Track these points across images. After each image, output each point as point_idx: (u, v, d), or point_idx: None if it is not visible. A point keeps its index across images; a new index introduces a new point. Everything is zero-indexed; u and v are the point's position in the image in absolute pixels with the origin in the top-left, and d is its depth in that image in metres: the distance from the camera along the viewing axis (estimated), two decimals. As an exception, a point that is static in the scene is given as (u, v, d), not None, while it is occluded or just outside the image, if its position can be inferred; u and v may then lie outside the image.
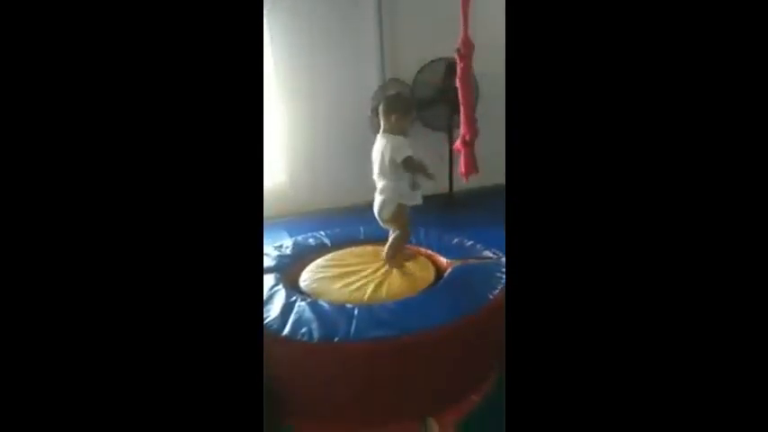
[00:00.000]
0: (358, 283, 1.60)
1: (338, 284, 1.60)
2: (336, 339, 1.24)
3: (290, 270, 1.73)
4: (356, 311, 1.35)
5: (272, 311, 1.39)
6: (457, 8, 1.80)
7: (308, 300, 1.46)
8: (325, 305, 1.41)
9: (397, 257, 1.73)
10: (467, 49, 1.68)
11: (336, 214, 3.24)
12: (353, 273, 1.68)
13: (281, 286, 1.55)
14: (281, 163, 3.39)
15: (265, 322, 1.34)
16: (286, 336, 1.27)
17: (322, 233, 2.06)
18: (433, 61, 3.22)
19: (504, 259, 1.79)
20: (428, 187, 1.76)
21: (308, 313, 1.36)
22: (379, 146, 1.63)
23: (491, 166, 3.56)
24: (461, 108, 1.84)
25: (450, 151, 3.33)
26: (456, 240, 1.93)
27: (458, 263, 1.70)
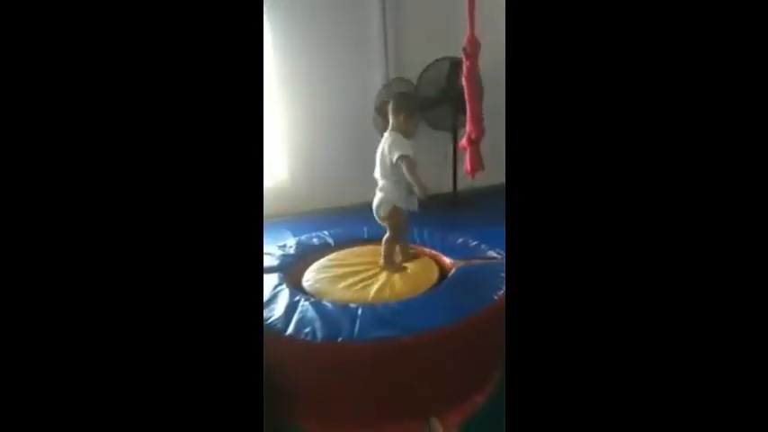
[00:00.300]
0: (362, 283, 1.59)
1: (342, 284, 1.59)
2: (340, 339, 1.24)
3: (293, 270, 1.73)
4: (360, 311, 1.35)
5: (275, 311, 1.38)
6: (462, 7, 1.79)
7: (312, 299, 1.46)
8: (329, 305, 1.41)
9: (393, 260, 1.71)
10: (473, 47, 1.67)
11: (340, 213, 3.24)
12: (357, 272, 1.67)
13: (284, 286, 1.55)
14: (284, 161, 3.39)
15: (269, 322, 1.34)
16: (289, 335, 1.27)
17: (325, 232, 2.05)
18: (437, 60, 3.21)
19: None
20: (432, 186, 1.75)
21: (312, 313, 1.35)
22: (383, 143, 1.63)
23: (495, 165, 3.56)
24: (468, 106, 1.83)
25: (455, 151, 3.32)
26: (460, 240, 1.92)
27: (462, 263, 1.70)
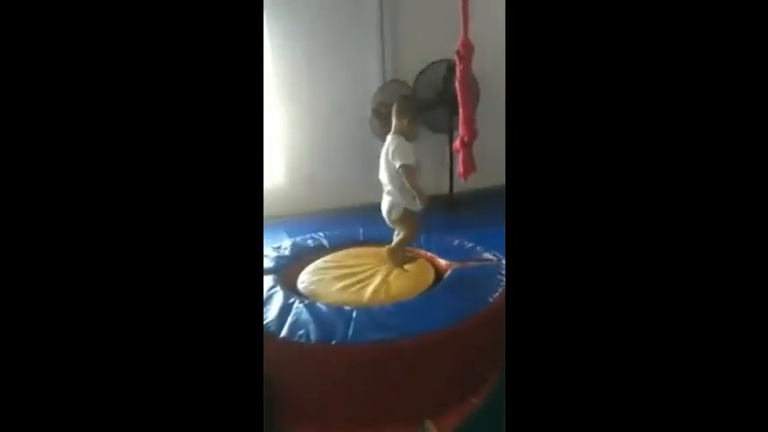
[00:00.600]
0: (357, 285, 1.58)
1: (337, 286, 1.58)
2: (334, 342, 1.23)
3: (288, 271, 1.72)
4: (354, 314, 1.34)
5: (269, 313, 1.37)
6: (458, 9, 1.79)
7: (306, 301, 1.45)
8: (323, 307, 1.40)
9: (398, 257, 1.72)
10: (466, 50, 1.68)
11: (335, 215, 3.23)
12: (352, 274, 1.66)
13: (278, 288, 1.53)
14: (280, 163, 3.38)
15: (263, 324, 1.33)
16: (284, 338, 1.26)
17: (321, 234, 2.04)
18: (434, 62, 3.21)
19: (504, 261, 1.77)
20: (429, 188, 1.75)
21: (306, 315, 1.34)
22: (386, 146, 1.64)
23: (491, 167, 3.57)
24: (460, 109, 1.84)
25: (451, 153, 3.32)
26: (456, 242, 1.92)
27: (457, 265, 1.69)
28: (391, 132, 1.64)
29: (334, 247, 1.93)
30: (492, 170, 3.55)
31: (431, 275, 1.67)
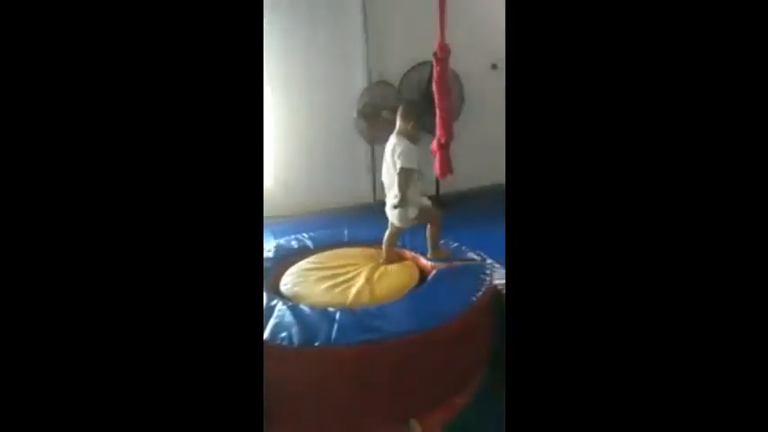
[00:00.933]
0: (341, 287, 1.57)
1: (321, 288, 1.57)
2: (317, 344, 1.22)
3: (271, 273, 1.70)
4: (338, 315, 1.33)
5: (251, 316, 1.35)
6: (436, 12, 1.80)
7: (289, 303, 1.44)
8: (307, 309, 1.38)
9: (439, 246, 1.74)
10: (443, 52, 1.70)
11: (321, 216, 3.21)
12: (336, 276, 1.65)
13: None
14: (266, 165, 3.35)
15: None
16: (266, 340, 1.24)
17: (305, 235, 2.03)
18: (419, 63, 3.22)
19: (488, 261, 1.78)
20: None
21: (289, 317, 1.33)
22: (391, 147, 1.68)
23: (475, 168, 3.58)
24: (437, 111, 1.87)
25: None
26: (441, 242, 1.92)
27: (442, 265, 1.69)
28: (395, 134, 1.69)
29: (319, 248, 1.91)
30: (476, 171, 3.58)
31: (415, 276, 1.66)
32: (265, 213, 3.27)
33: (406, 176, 1.60)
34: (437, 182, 3.49)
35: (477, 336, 1.46)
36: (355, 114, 3.28)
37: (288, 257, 1.83)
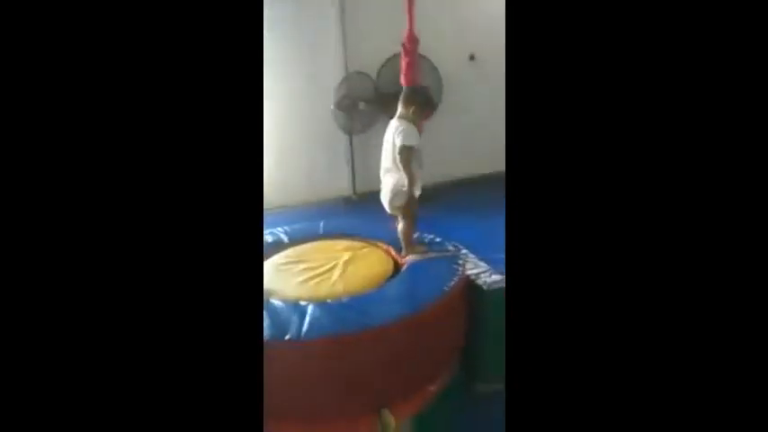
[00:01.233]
0: (315, 280, 1.56)
1: (294, 282, 1.56)
2: (288, 337, 1.21)
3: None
4: (310, 309, 1.32)
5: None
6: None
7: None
8: (278, 303, 1.38)
9: (414, 244, 1.74)
10: (411, 43, 1.69)
11: (299, 209, 3.19)
12: (310, 269, 1.64)
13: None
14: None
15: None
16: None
17: (279, 229, 2.01)
18: (396, 55, 3.20)
19: (463, 251, 1.79)
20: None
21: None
22: (392, 129, 1.68)
23: (455, 159, 3.59)
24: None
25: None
26: (416, 234, 1.92)
27: (416, 257, 1.69)
28: (396, 117, 1.70)
29: (294, 241, 1.90)
30: (456, 162, 3.59)
31: (389, 268, 1.67)
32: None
33: (407, 153, 1.60)
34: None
35: (450, 325, 1.47)
36: (332, 106, 3.26)
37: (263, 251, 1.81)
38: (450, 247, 1.77)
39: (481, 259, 1.82)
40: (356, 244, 1.84)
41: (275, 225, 2.10)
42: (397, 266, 1.69)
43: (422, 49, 3.07)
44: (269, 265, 1.70)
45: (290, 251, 1.81)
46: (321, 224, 2.04)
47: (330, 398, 1.28)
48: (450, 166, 3.49)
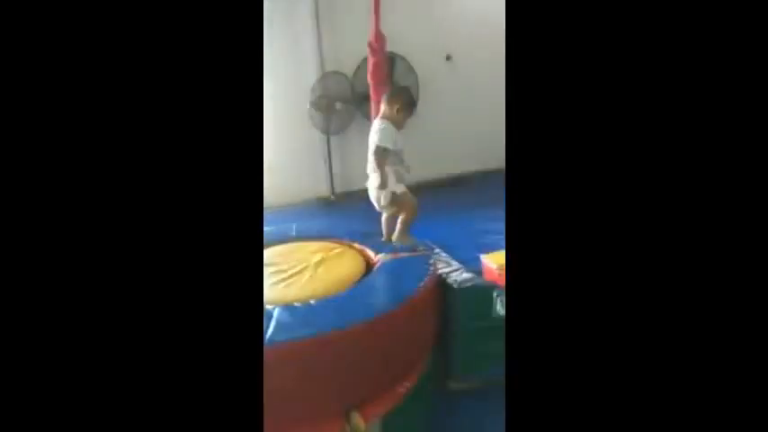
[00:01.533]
0: (283, 283, 1.55)
1: (264, 285, 1.54)
2: (252, 342, 1.19)
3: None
4: (276, 313, 1.31)
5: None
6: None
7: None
8: (245, 307, 1.36)
9: (407, 241, 1.74)
10: (378, 42, 1.71)
11: (275, 211, 3.16)
12: (280, 272, 1.63)
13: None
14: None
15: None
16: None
17: (252, 232, 1.99)
18: (372, 54, 3.20)
19: (436, 250, 1.80)
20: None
21: (225, 316, 1.30)
22: (373, 129, 1.70)
23: (429, 160, 3.60)
24: (372, 103, 1.89)
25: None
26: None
27: (387, 257, 1.69)
28: (379, 117, 1.69)
29: (265, 244, 1.87)
30: (428, 163, 3.60)
31: (361, 269, 1.66)
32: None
33: (379, 155, 1.60)
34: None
35: (420, 324, 1.47)
36: (309, 106, 3.24)
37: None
38: (422, 247, 1.77)
39: (454, 258, 1.82)
40: (329, 245, 1.83)
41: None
42: (369, 267, 1.68)
43: (398, 50, 3.07)
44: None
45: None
46: (294, 226, 2.02)
47: (297, 402, 1.27)
48: (421, 168, 3.51)
